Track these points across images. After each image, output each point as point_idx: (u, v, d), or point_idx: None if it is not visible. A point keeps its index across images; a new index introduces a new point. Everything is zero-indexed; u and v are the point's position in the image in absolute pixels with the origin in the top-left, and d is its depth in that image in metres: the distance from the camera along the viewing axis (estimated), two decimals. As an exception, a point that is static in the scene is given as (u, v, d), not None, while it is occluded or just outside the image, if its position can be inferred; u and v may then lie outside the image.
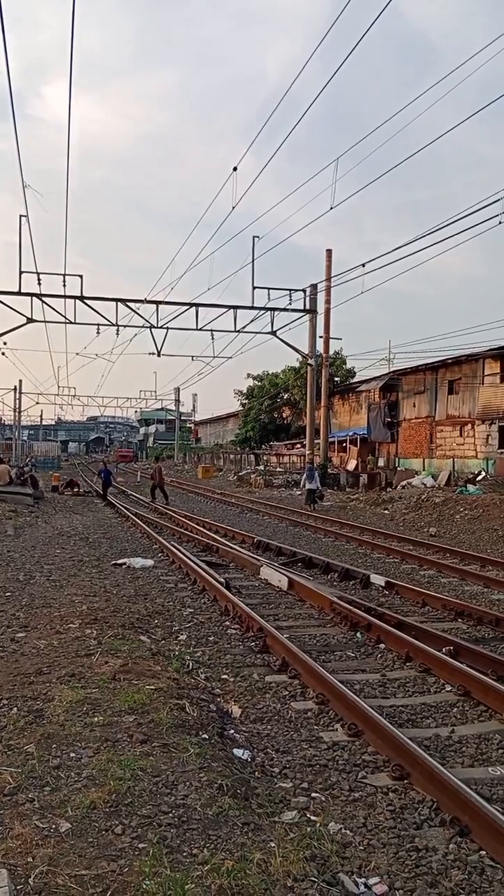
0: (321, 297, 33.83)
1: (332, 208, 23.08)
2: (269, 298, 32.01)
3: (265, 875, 3.07)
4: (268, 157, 45.71)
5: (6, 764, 3.93)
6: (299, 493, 29.60)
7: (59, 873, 2.92)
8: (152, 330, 32.74)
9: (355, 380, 45.52)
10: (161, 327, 32.50)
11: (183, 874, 2.96)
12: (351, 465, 39.69)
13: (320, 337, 34.59)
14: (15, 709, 4.81)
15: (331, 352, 37.41)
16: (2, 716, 4.70)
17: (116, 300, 31.51)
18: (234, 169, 24.21)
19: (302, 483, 29.53)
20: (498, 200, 16.72)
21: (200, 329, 32.85)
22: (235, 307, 32.22)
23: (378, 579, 10.84)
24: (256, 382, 58.85)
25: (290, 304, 32.71)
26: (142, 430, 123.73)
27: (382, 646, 7.43)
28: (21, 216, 28.62)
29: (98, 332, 32.43)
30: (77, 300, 30.79)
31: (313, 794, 4.20)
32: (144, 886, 2.87)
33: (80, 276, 30.37)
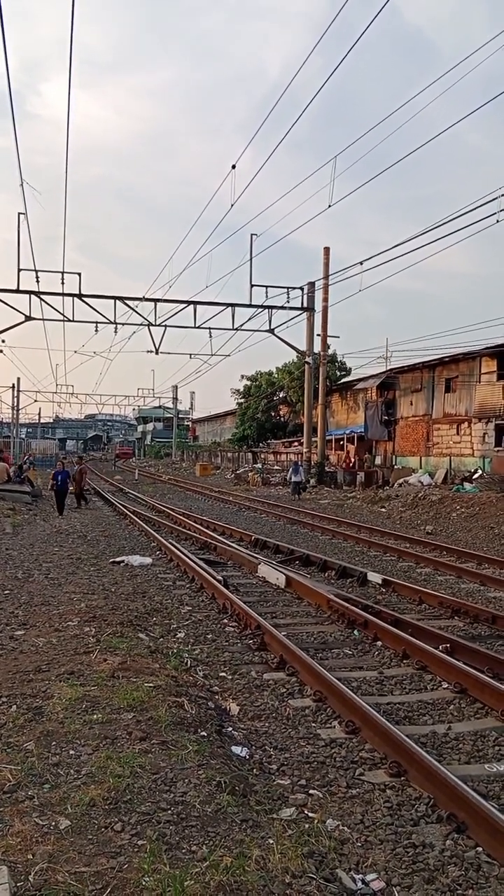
0: (319, 295, 33.85)
1: (330, 206, 23.12)
2: (266, 296, 32.09)
3: (264, 872, 3.09)
4: (266, 153, 45.65)
5: (6, 761, 3.95)
6: (291, 493, 30.25)
7: (58, 870, 2.94)
8: (150, 328, 32.79)
9: (352, 378, 45.54)
10: (159, 325, 32.56)
11: (182, 871, 2.98)
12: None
13: (318, 335, 34.62)
14: (14, 706, 4.82)
15: (328, 352, 37.36)
16: (1, 713, 4.71)
17: (115, 298, 31.52)
18: (233, 167, 24.08)
19: (288, 477, 31.65)
20: (496, 198, 16.77)
21: (198, 327, 32.90)
22: (233, 305, 32.26)
23: (375, 577, 10.86)
24: (252, 382, 58.88)
25: (288, 301, 32.80)
26: (139, 428, 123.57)
27: (380, 643, 7.46)
28: (19, 214, 28.64)
29: (96, 330, 32.48)
30: (75, 298, 30.81)
31: (311, 791, 4.22)
32: (144, 883, 2.89)
33: (79, 274, 30.41)
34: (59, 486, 21.25)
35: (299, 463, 32.25)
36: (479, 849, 3.60)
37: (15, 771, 3.82)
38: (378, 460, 38.30)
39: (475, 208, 17.42)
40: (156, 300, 31.93)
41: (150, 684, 5.37)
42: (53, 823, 3.32)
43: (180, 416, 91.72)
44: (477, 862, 3.49)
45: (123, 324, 32.43)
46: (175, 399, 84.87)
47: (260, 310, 32.45)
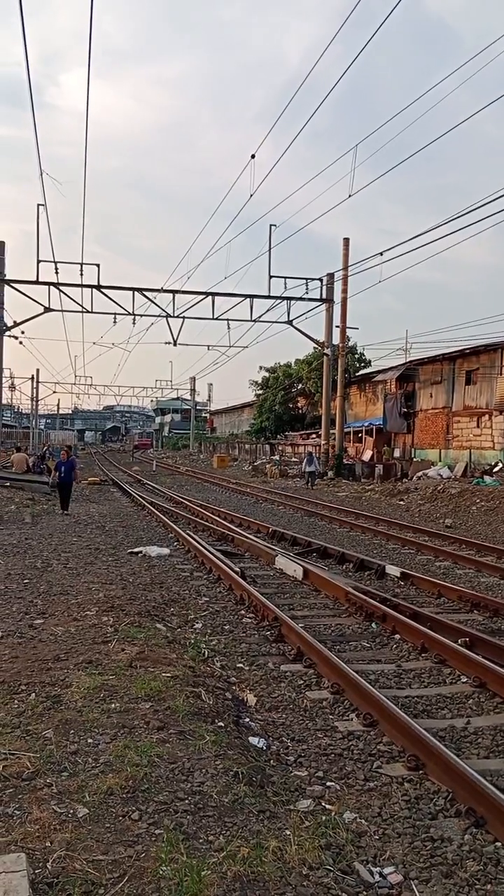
0: (338, 287, 33.69)
1: (350, 196, 22.98)
2: (285, 287, 32.03)
3: (281, 862, 3.09)
4: (285, 143, 45.38)
5: (25, 749, 3.98)
6: (304, 482, 31.19)
7: (76, 858, 2.95)
8: (168, 319, 32.84)
9: (371, 370, 45.29)
10: (177, 316, 32.61)
11: (199, 860, 2.98)
12: (367, 456, 39.56)
13: (337, 327, 34.45)
14: (33, 694, 4.86)
15: (347, 343, 37.16)
16: (20, 701, 4.75)
17: (133, 289, 31.61)
18: (252, 157, 23.94)
19: (303, 467, 32.52)
20: (518, 188, 16.48)
21: (216, 318, 32.95)
22: (252, 296, 32.21)
23: (393, 570, 10.81)
24: (270, 374, 58.78)
25: (307, 293, 32.71)
26: (157, 420, 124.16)
27: (398, 636, 7.42)
28: (39, 205, 28.79)
29: (115, 322, 32.66)
30: (94, 289, 30.92)
31: (328, 783, 4.21)
32: (161, 872, 2.89)
33: (97, 266, 30.56)
34: (63, 477, 18.83)
35: (314, 454, 32.94)
36: (498, 843, 3.57)
37: (34, 759, 3.85)
38: (397, 453, 38.09)
39: (497, 198, 17.18)
40: (174, 291, 31.98)
41: (168, 674, 5.38)
42: (71, 811, 3.34)
43: (198, 407, 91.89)
44: (496, 857, 3.46)
45: (142, 315, 32.57)
46: (193, 391, 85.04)
47: (278, 301, 32.38)
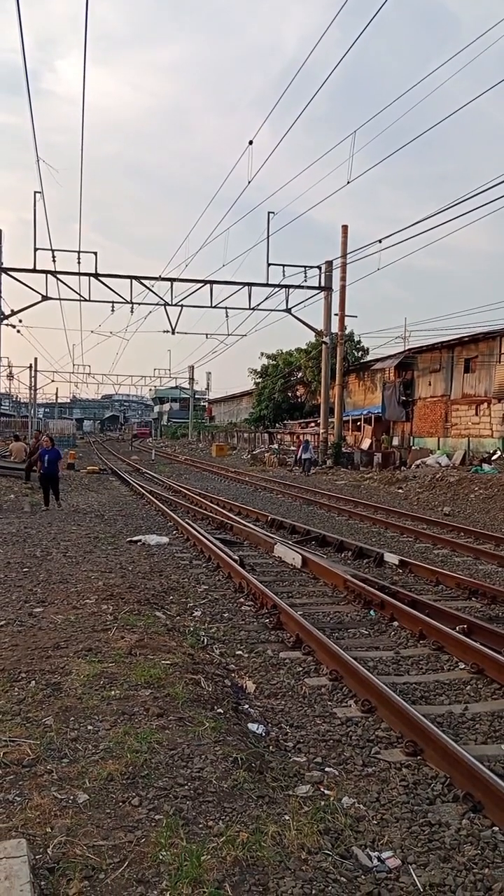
0: (336, 274, 33.50)
1: (349, 182, 22.89)
2: (283, 275, 31.88)
3: (280, 847, 3.11)
4: (283, 129, 45.09)
5: (25, 736, 4.00)
6: (300, 470, 31.69)
7: (77, 843, 2.97)
8: (167, 307, 32.72)
9: (370, 358, 45.19)
10: (175, 305, 32.47)
11: (199, 845, 3.00)
12: (365, 444, 39.57)
13: (335, 314, 34.32)
14: (33, 682, 4.87)
15: (345, 332, 37.00)
16: (21, 689, 4.76)
17: (131, 277, 31.45)
18: (250, 143, 23.77)
19: (299, 455, 33.11)
20: (518, 174, 16.38)
21: (215, 306, 32.80)
22: (250, 284, 32.07)
23: (392, 558, 10.84)
24: (270, 361, 58.62)
25: (306, 280, 32.56)
26: (156, 409, 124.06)
27: (396, 623, 7.45)
28: (35, 192, 28.59)
29: (112, 310, 32.49)
30: (91, 277, 30.77)
31: (327, 769, 4.24)
32: (161, 857, 2.91)
33: (95, 254, 30.37)
34: (47, 469, 16.70)
35: (310, 441, 33.64)
36: (496, 828, 3.60)
37: (34, 745, 3.87)
38: (395, 441, 38.10)
39: (497, 184, 17.10)
40: (172, 280, 31.83)
41: (167, 661, 5.40)
42: (72, 797, 3.36)
43: (197, 396, 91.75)
44: (493, 841, 3.49)
45: (139, 303, 32.44)
46: (191, 379, 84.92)
47: (277, 289, 32.24)
